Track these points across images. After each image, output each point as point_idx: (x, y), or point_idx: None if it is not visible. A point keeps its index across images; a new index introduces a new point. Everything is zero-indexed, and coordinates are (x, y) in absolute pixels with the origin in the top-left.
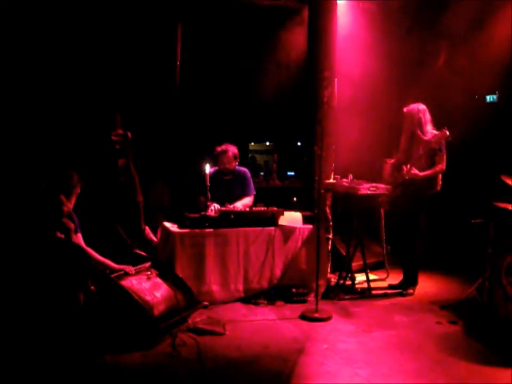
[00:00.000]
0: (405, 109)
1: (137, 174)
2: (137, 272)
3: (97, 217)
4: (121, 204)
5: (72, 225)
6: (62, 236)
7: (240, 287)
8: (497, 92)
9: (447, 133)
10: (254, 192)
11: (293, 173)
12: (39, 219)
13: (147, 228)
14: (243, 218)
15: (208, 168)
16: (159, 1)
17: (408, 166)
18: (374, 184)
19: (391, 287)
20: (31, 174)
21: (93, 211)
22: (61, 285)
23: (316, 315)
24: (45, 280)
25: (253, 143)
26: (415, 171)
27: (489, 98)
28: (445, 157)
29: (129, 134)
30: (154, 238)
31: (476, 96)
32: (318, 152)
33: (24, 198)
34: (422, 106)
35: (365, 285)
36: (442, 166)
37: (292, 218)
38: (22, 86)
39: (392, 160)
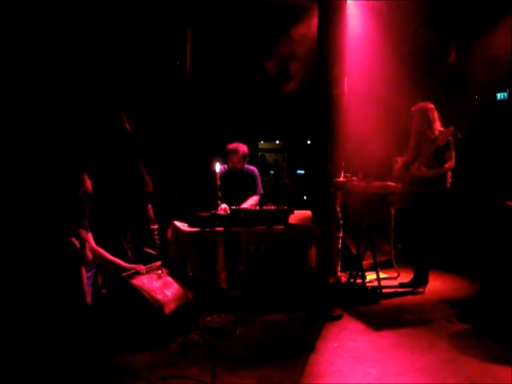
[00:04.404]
0: (413, 108)
1: (143, 167)
2: (148, 271)
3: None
4: (129, 202)
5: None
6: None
7: (251, 285)
8: (508, 90)
9: (452, 128)
10: (262, 191)
11: (302, 171)
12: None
13: (156, 227)
14: (253, 217)
15: (218, 167)
16: (169, 5)
17: (417, 164)
18: (384, 182)
19: (401, 285)
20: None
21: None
22: (66, 283)
23: (327, 314)
24: (50, 280)
25: (262, 142)
26: (423, 169)
27: (500, 96)
28: (453, 155)
29: (127, 126)
30: (157, 240)
31: (476, 96)
32: (328, 151)
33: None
34: (430, 105)
35: (376, 284)
36: (451, 163)
37: (302, 216)
38: (39, 89)
39: (402, 158)
